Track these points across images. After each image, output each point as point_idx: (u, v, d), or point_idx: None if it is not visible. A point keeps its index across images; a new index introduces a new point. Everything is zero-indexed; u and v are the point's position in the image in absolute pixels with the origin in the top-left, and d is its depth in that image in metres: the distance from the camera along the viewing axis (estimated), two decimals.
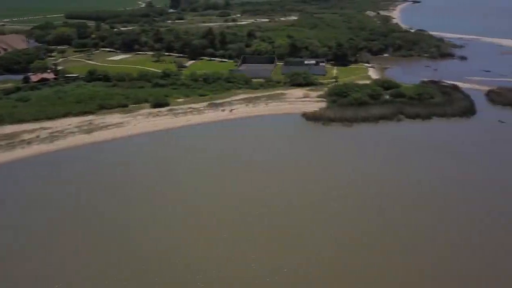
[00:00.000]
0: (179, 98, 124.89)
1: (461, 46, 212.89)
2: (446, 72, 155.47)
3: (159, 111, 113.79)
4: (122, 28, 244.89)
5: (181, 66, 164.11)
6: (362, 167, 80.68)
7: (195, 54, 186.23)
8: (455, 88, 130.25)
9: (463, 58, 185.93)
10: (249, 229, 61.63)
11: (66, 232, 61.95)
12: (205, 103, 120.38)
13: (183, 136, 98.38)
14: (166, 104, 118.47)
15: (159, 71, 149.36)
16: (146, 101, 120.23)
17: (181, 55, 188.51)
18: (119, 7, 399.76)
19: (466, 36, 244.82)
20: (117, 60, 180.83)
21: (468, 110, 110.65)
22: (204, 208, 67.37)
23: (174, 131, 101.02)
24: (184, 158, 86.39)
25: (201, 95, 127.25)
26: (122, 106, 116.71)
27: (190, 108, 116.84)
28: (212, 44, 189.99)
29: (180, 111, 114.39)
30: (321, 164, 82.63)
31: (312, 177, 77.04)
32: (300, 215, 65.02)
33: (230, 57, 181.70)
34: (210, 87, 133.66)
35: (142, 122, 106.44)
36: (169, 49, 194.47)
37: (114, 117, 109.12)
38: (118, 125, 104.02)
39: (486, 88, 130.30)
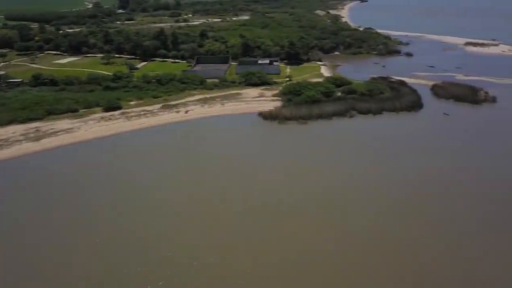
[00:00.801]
0: (132, 100, 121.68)
1: (406, 43, 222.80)
2: (394, 68, 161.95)
3: (111, 115, 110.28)
4: (69, 30, 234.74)
5: (133, 68, 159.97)
6: (316, 161, 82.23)
7: (147, 55, 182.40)
8: (403, 83, 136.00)
9: (409, 54, 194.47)
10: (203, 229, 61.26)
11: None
12: (159, 105, 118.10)
13: (137, 139, 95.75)
14: (119, 108, 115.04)
15: (110, 73, 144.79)
16: (97, 105, 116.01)
17: (133, 56, 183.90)
18: (64, 8, 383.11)
19: (411, 34, 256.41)
20: (64, 63, 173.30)
21: (416, 104, 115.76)
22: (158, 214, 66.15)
23: (127, 135, 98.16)
24: (138, 162, 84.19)
25: (154, 97, 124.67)
26: (72, 111, 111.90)
27: (143, 110, 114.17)
28: (164, 45, 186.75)
29: (133, 114, 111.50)
30: (281, 163, 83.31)
31: (274, 177, 77.54)
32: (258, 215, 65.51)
33: (183, 58, 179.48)
34: (163, 89, 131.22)
35: (94, 127, 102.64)
36: (120, 50, 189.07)
37: (63, 123, 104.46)
38: (68, 131, 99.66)
39: (431, 82, 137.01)
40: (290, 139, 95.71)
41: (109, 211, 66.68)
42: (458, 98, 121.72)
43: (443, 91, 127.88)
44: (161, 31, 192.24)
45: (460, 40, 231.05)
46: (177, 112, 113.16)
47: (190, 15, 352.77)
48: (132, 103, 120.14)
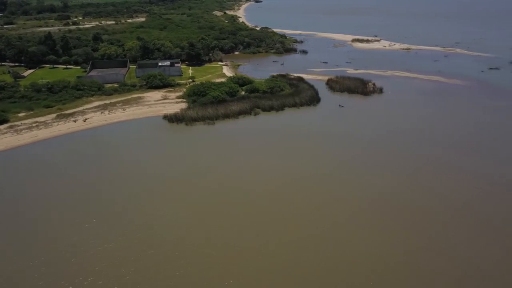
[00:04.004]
0: (20, 112, 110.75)
1: (301, 41, 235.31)
2: (292, 66, 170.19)
3: None
4: None
5: (18, 77, 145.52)
6: (222, 159, 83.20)
7: (34, 62, 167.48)
8: (301, 79, 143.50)
9: (304, 52, 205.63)
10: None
11: None
12: (53, 115, 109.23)
13: (27, 155, 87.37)
14: (5, 121, 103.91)
15: None
16: None
17: (17, 64, 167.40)
18: None
19: (304, 32, 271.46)
20: None
21: (314, 99, 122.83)
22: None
23: (16, 151, 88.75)
24: (32, 177, 77.09)
25: (47, 107, 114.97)
26: None
27: (35, 122, 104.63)
28: (53, 50, 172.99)
29: (23, 126, 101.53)
30: (190, 165, 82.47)
31: (188, 184, 76.44)
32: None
33: (76, 63, 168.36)
34: (56, 97, 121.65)
35: None
36: (0, 58, 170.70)
37: None
38: None
39: (326, 77, 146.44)
40: (200, 141, 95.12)
41: None
42: (351, 91, 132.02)
43: (337, 85, 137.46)
44: (49, 35, 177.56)
45: (348, 37, 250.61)
46: (75, 121, 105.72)
47: (81, 18, 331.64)
48: (21, 115, 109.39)
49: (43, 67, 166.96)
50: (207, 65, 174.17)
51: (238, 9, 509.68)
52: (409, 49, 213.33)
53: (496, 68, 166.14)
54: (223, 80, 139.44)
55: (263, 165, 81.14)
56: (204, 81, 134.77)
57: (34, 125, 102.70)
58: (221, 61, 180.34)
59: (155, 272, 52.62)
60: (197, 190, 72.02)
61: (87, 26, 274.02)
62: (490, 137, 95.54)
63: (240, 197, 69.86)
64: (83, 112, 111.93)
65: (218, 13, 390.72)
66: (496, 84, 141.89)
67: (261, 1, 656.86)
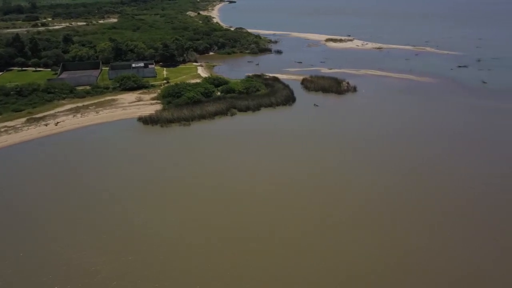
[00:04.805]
0: None
1: (275, 41, 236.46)
2: (267, 66, 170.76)
3: None
4: None
5: None
6: (197, 162, 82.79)
7: (1, 64, 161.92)
8: (276, 79, 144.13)
9: (279, 52, 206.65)
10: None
11: None
12: (23, 119, 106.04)
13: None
14: None
15: None
16: None
17: None
18: None
19: (278, 32, 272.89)
20: None
21: (290, 98, 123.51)
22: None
23: None
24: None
25: (16, 111, 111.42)
26: None
27: (4, 127, 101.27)
28: (21, 52, 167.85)
29: None
30: (165, 167, 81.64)
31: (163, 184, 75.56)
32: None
33: (46, 66, 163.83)
34: (26, 101, 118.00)
35: None
36: None
37: None
38: None
39: (300, 77, 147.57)
40: (176, 142, 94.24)
41: None
42: (325, 90, 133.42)
43: (312, 84, 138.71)
44: (17, 37, 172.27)
45: (321, 37, 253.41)
46: (46, 125, 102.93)
47: (50, 19, 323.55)
48: None
49: (11, 69, 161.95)
50: (181, 66, 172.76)
51: (212, 9, 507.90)
52: (381, 48, 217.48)
53: (465, 66, 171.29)
54: (198, 80, 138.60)
55: (243, 165, 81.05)
56: (179, 82, 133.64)
57: (3, 130, 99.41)
58: (196, 62, 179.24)
59: None
60: (177, 192, 71.31)
61: (56, 27, 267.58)
62: (461, 132, 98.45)
63: (223, 197, 69.49)
64: (54, 116, 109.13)
65: (192, 14, 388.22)
66: (465, 81, 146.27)
67: (235, 2, 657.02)
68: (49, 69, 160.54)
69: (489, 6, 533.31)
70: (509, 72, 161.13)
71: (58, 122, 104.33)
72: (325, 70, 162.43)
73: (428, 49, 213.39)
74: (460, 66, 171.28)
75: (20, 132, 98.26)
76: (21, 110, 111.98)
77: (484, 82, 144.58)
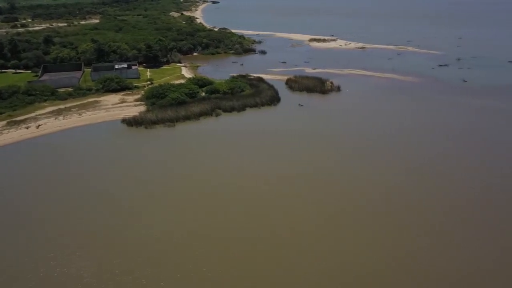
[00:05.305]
0: None
1: (259, 42, 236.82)
2: (251, 66, 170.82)
3: None
4: None
5: None
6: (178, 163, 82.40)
7: None
8: (261, 79, 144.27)
9: (263, 52, 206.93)
10: None
11: None
12: (3, 122, 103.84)
13: None
14: None
15: None
16: None
17: None
18: None
19: (262, 33, 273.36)
20: None
21: (274, 99, 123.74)
22: None
23: None
24: None
25: None
26: None
27: None
28: (1, 54, 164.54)
29: None
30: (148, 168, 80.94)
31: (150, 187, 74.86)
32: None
33: (27, 67, 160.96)
34: (6, 103, 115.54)
35: None
36: None
37: None
38: None
39: (285, 77, 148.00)
40: (160, 144, 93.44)
41: None
42: (309, 90, 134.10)
43: (296, 84, 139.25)
44: None
45: (305, 37, 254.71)
46: (27, 128, 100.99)
47: (30, 20, 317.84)
48: None
49: None
50: (165, 66, 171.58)
51: (196, 10, 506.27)
52: (364, 48, 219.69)
53: (445, 65, 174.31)
54: (182, 81, 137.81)
55: (229, 165, 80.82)
56: (162, 83, 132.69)
57: None
58: (180, 63, 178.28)
59: None
60: (164, 194, 70.73)
61: (37, 28, 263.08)
62: (446, 128, 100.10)
63: (212, 198, 69.24)
64: (35, 118, 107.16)
65: (175, 14, 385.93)
66: (447, 80, 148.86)
67: (218, 2, 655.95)
68: (30, 71, 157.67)
69: (471, 7, 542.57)
70: (488, 70, 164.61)
71: (39, 125, 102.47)
72: (309, 70, 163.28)
73: (410, 48, 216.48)
74: (441, 65, 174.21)
75: (0, 136, 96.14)
76: (1, 113, 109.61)
77: (465, 81, 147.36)
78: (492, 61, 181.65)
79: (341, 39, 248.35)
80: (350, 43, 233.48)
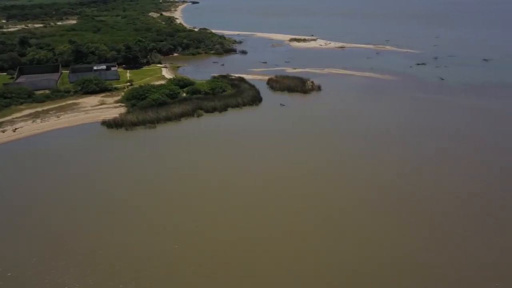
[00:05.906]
0: None
1: (240, 42, 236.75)
2: (232, 66, 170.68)
3: None
4: None
5: None
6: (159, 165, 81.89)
7: None
8: (242, 80, 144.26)
9: (243, 52, 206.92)
10: None
11: None
12: None
13: None
14: None
15: None
16: None
17: None
18: None
19: (242, 33, 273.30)
20: None
21: (256, 98, 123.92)
22: None
23: None
24: None
25: None
26: None
27: None
28: None
29: None
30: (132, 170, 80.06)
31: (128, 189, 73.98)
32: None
33: (2, 69, 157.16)
34: None
35: None
36: None
37: None
38: None
39: (266, 77, 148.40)
40: (141, 146, 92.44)
41: None
42: (291, 89, 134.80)
43: (277, 84, 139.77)
44: None
45: (285, 37, 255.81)
46: (3, 131, 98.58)
47: (4, 21, 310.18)
48: None
49: None
50: (145, 67, 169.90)
51: (175, 10, 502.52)
52: (344, 47, 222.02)
53: (423, 64, 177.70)
54: (163, 82, 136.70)
55: (212, 166, 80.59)
56: (143, 84, 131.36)
57: None
58: (160, 63, 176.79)
59: None
60: (146, 197, 70.07)
61: (11, 29, 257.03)
62: (423, 125, 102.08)
63: (197, 202, 68.94)
64: (12, 122, 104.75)
65: (155, 15, 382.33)
66: (424, 78, 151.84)
67: (198, 2, 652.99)
68: (5, 73, 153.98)
69: (466, 7, 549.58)
70: (463, 68, 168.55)
71: (16, 128, 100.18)
72: (290, 70, 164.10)
73: (388, 47, 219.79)
74: (418, 64, 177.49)
75: None
76: None
77: (442, 79, 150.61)
78: (468, 59, 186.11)
79: (321, 38, 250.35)
80: (330, 43, 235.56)
